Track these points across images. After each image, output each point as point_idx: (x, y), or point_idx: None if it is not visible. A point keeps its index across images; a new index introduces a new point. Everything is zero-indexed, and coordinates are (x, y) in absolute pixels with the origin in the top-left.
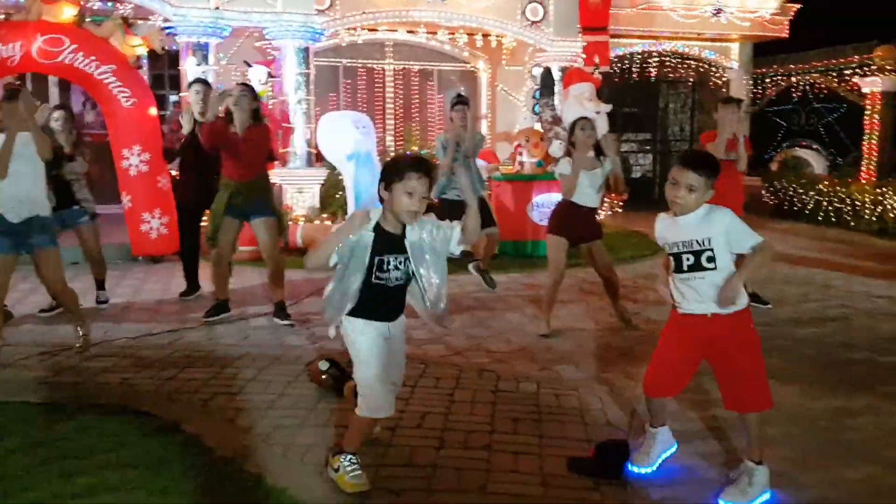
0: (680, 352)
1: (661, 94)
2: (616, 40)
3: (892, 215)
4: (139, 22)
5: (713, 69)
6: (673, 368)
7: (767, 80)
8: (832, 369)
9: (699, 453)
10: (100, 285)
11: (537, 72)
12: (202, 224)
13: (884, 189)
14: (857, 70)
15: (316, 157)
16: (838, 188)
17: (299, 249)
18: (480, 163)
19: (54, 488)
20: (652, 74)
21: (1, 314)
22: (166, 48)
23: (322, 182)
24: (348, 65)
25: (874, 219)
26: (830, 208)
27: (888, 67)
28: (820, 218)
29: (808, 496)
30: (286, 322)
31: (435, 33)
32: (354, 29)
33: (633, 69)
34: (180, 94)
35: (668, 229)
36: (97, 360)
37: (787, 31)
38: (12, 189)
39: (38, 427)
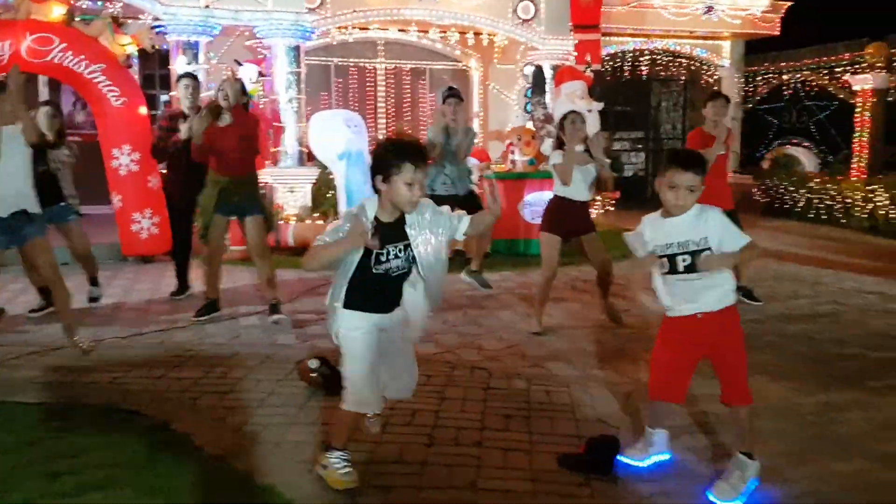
0: (677, 354)
1: (653, 93)
2: (607, 38)
3: (882, 212)
4: (129, 21)
5: (705, 67)
6: (674, 370)
7: (759, 78)
8: (822, 365)
9: (688, 448)
10: (93, 281)
11: (529, 70)
12: (193, 223)
13: (874, 186)
14: (848, 67)
15: (307, 157)
16: (829, 186)
17: (290, 248)
18: (472, 161)
19: (42, 487)
20: (644, 73)
21: None
22: (156, 47)
23: (313, 181)
24: (340, 64)
25: (865, 216)
26: (821, 206)
27: (879, 65)
28: (811, 215)
29: (797, 490)
30: (280, 316)
31: (426, 32)
32: (345, 27)
33: (625, 67)
34: (171, 94)
35: (658, 231)
36: (86, 359)
37: (779, 29)
38: None
39: (27, 426)
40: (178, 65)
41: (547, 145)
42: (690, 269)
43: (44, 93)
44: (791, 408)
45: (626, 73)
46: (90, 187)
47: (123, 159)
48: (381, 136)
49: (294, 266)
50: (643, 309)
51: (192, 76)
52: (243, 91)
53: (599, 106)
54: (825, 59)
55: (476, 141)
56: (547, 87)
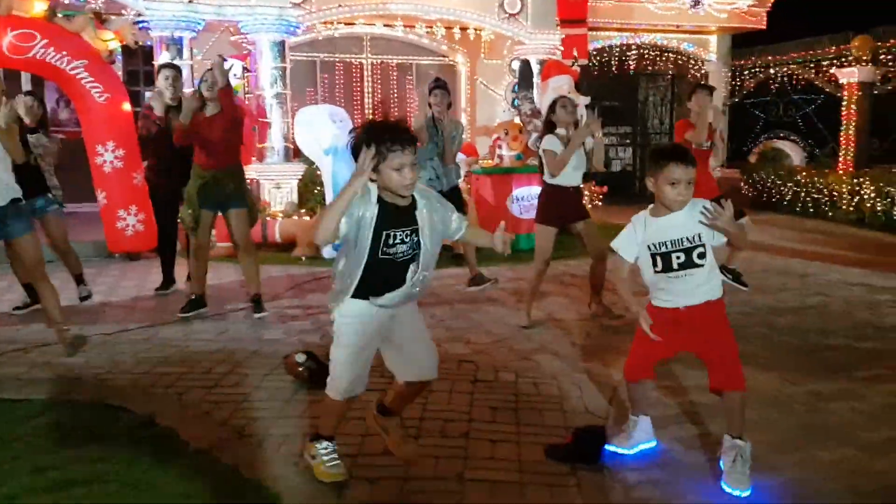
0: (657, 342)
1: (641, 87)
2: (594, 33)
3: (868, 205)
4: (112, 17)
5: (692, 62)
6: (651, 356)
7: (746, 73)
8: (810, 355)
9: (675, 438)
10: (79, 280)
11: (516, 65)
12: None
13: (861, 179)
14: (835, 61)
15: (294, 153)
16: (816, 179)
17: (277, 245)
18: (460, 156)
19: (26, 483)
20: (631, 67)
21: None
22: (139, 43)
23: (300, 177)
24: (326, 59)
25: (851, 209)
26: (808, 199)
27: (865, 58)
28: (798, 209)
29: (783, 477)
30: (262, 314)
31: (413, 27)
32: (331, 23)
33: (612, 62)
34: (155, 90)
35: (651, 230)
36: (73, 335)
37: (765, 23)
38: None
39: (11, 422)
40: (162, 61)
41: (534, 140)
42: (685, 266)
43: (27, 89)
44: (779, 398)
45: (614, 69)
46: (77, 185)
47: (107, 156)
48: None
49: (281, 262)
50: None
51: (172, 66)
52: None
53: (586, 100)
54: (811, 52)
55: (463, 136)
56: (534, 82)
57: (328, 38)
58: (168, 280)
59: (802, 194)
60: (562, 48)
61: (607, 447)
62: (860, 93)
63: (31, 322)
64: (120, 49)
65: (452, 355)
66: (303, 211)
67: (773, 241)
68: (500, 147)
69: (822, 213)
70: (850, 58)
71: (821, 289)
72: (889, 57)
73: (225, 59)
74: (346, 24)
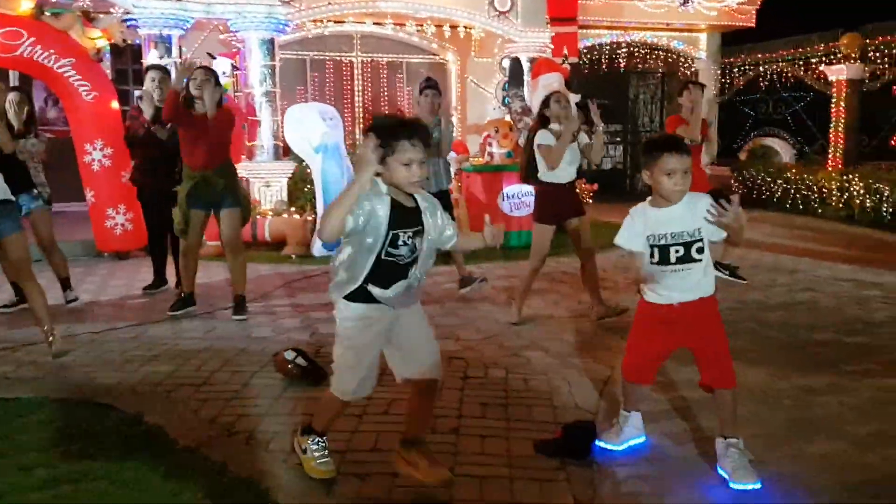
0: (652, 339)
1: (631, 85)
2: (584, 31)
3: (858, 202)
4: (100, 15)
5: (682, 59)
6: (648, 354)
7: (735, 70)
8: (798, 350)
9: (665, 433)
10: (65, 284)
11: (506, 63)
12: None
13: (850, 176)
14: (824, 58)
15: (283, 151)
16: (805, 176)
17: (267, 243)
18: (450, 154)
19: (13, 481)
20: (621, 65)
21: None
22: (128, 41)
23: (290, 175)
24: (316, 57)
25: (841, 206)
26: (798, 196)
27: (853, 55)
28: (788, 206)
29: (771, 471)
30: (241, 317)
31: (403, 25)
32: (321, 21)
33: (602, 60)
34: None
35: (651, 221)
36: (61, 342)
37: (755, 21)
38: None
39: None
40: (151, 59)
41: (524, 138)
42: (683, 260)
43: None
44: (768, 392)
45: (604, 66)
46: (66, 184)
47: (96, 154)
48: (358, 131)
49: (271, 261)
50: (623, 298)
51: (159, 68)
52: (217, 83)
53: (576, 98)
54: (800, 50)
55: (454, 134)
56: (524, 80)
57: (318, 37)
58: (160, 279)
59: (792, 191)
60: (552, 46)
61: (597, 443)
62: (849, 90)
63: (18, 320)
64: (108, 47)
65: (442, 352)
66: (293, 209)
67: (763, 238)
68: (490, 145)
69: (812, 209)
70: (839, 55)
71: (810, 285)
72: (878, 54)
73: (214, 58)
74: (335, 22)
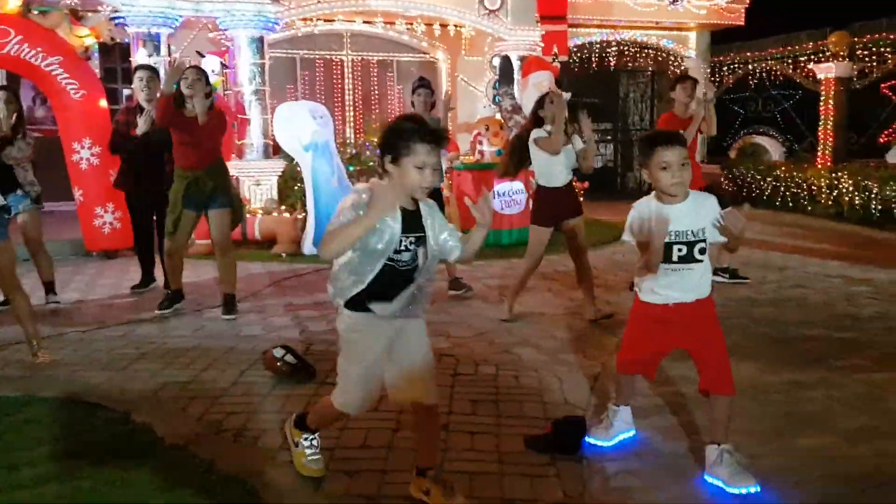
0: (648, 336)
1: (621, 84)
2: (574, 30)
3: (847, 199)
4: (88, 14)
5: (672, 58)
6: (644, 350)
7: (725, 69)
8: (788, 346)
9: (655, 428)
10: (48, 287)
11: (497, 62)
12: (153, 216)
13: (839, 174)
14: (812, 56)
15: (273, 150)
16: (795, 174)
17: (257, 242)
18: (441, 153)
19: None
20: (611, 64)
21: None
22: (116, 39)
23: (280, 174)
24: (306, 56)
25: (830, 203)
26: (788, 194)
27: (842, 53)
28: (777, 203)
29: (760, 465)
30: (231, 316)
31: (393, 23)
32: (310, 19)
33: (593, 59)
34: (133, 87)
35: (655, 215)
36: (46, 352)
37: (744, 19)
38: None
39: None
40: (139, 57)
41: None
42: (685, 259)
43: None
44: (758, 387)
45: (594, 65)
46: (54, 183)
47: (84, 153)
48: (348, 130)
49: (261, 259)
50: (614, 296)
51: (147, 68)
52: (207, 83)
53: (567, 96)
54: (789, 48)
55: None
56: (515, 78)
57: (308, 35)
58: (147, 278)
59: (782, 189)
60: (542, 44)
61: (587, 439)
62: (838, 88)
63: (5, 319)
64: (96, 46)
65: (433, 350)
66: (283, 208)
67: (752, 236)
68: (480, 143)
69: (801, 207)
70: (828, 53)
71: (800, 281)
72: (866, 52)
73: (203, 56)
74: (325, 20)
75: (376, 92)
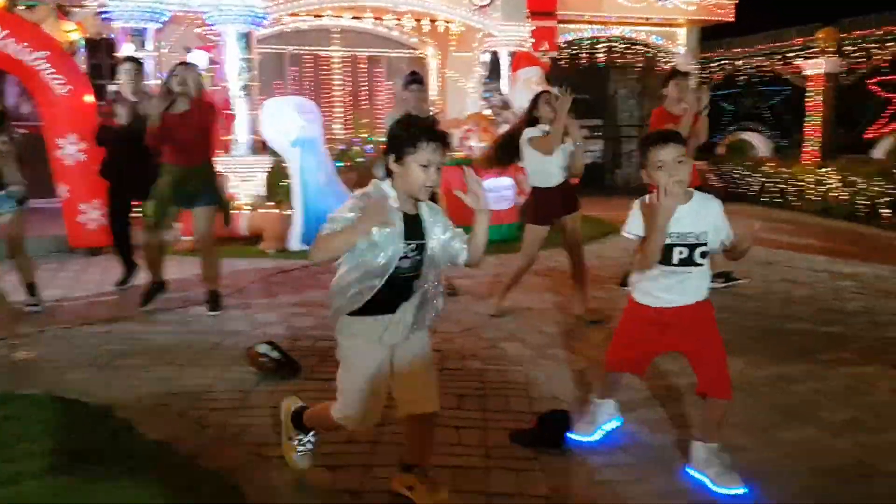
0: (643, 340)
1: (611, 80)
2: (564, 25)
3: (834, 195)
4: (75, 10)
5: (661, 54)
6: (635, 348)
7: (714, 65)
8: (774, 339)
9: (640, 420)
10: (30, 289)
11: (486, 58)
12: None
13: (826, 170)
14: (801, 53)
15: (261, 146)
16: (783, 170)
17: (244, 238)
18: None
19: None
20: (600, 60)
21: None
22: (102, 34)
23: (267, 170)
24: (294, 52)
25: (818, 199)
26: (775, 189)
27: (830, 49)
28: (765, 199)
29: (746, 457)
30: (216, 313)
31: (381, 19)
32: (299, 15)
33: (582, 55)
34: (118, 83)
35: (664, 204)
36: (27, 349)
37: (733, 15)
38: None
39: None
40: (126, 53)
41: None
42: (686, 262)
43: None
44: (744, 380)
45: (584, 61)
46: (39, 179)
47: (69, 149)
48: (337, 126)
49: (248, 255)
50: (602, 292)
51: (133, 60)
52: (198, 75)
53: (556, 91)
54: (778, 44)
55: None
56: (504, 74)
57: (296, 31)
58: (130, 268)
59: (769, 185)
60: (532, 40)
61: (570, 436)
62: (826, 84)
63: None
64: (83, 41)
65: None
66: (270, 204)
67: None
68: (469, 139)
69: (789, 203)
70: (816, 49)
71: (786, 275)
72: (853, 48)
73: (190, 51)
74: (314, 16)
75: (365, 88)
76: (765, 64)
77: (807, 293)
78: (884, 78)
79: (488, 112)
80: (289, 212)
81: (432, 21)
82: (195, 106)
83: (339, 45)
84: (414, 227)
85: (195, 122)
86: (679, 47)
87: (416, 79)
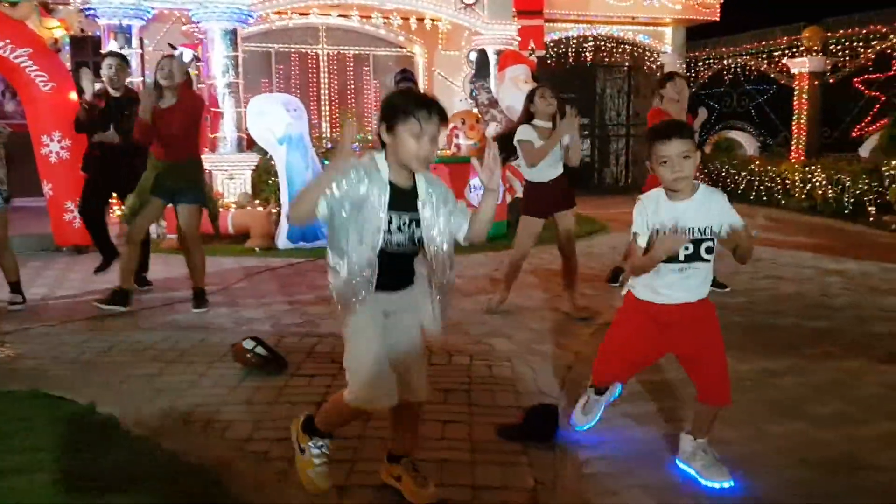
0: (640, 340)
1: (598, 79)
2: (551, 24)
3: (820, 193)
4: (60, 7)
5: (648, 53)
6: (631, 357)
7: (700, 64)
8: (760, 334)
9: (627, 414)
10: (14, 287)
11: (474, 56)
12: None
13: (812, 168)
14: (786, 51)
15: (247, 143)
16: (769, 168)
17: (230, 236)
18: None
19: None
20: (588, 59)
21: None
22: (87, 31)
23: (253, 168)
24: (281, 50)
25: (804, 197)
26: (762, 188)
27: (815, 48)
28: (752, 197)
29: (733, 451)
30: (202, 310)
31: (369, 17)
32: (285, 12)
33: (569, 54)
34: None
35: (663, 211)
36: (10, 347)
37: (719, 15)
38: None
39: None
40: (110, 50)
41: (491, 129)
42: (691, 258)
43: None
44: (731, 375)
45: (571, 60)
46: (24, 178)
47: (53, 146)
48: (324, 124)
49: (234, 253)
50: (591, 289)
51: (116, 55)
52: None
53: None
54: (764, 43)
55: None
56: (491, 72)
57: (283, 29)
58: (109, 253)
59: (756, 183)
60: (519, 39)
61: (559, 429)
62: (811, 83)
63: None
64: (67, 38)
65: None
66: (256, 202)
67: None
68: (457, 136)
69: (776, 201)
70: (802, 48)
71: (772, 271)
72: (839, 47)
73: (175, 48)
74: (300, 14)
75: (352, 86)
76: (751, 63)
77: (793, 289)
78: (870, 76)
79: (475, 110)
80: (276, 209)
81: (419, 19)
82: (181, 100)
83: (325, 43)
84: (406, 200)
85: (180, 117)
86: (666, 46)
87: (406, 76)
